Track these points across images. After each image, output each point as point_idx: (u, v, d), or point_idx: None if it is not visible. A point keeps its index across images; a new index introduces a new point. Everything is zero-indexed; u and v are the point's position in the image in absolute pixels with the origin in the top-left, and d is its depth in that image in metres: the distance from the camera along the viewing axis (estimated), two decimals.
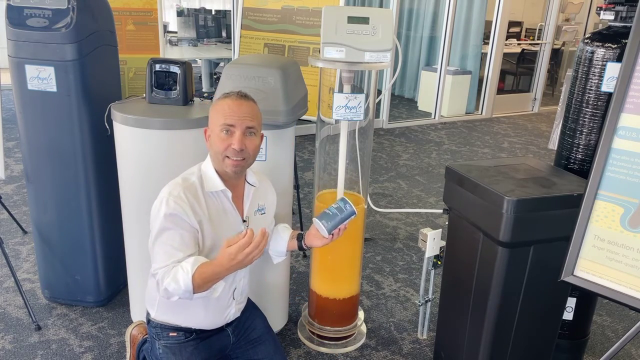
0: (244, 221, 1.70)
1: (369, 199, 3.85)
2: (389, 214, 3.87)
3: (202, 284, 1.47)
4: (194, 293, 1.48)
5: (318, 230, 1.72)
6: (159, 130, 2.02)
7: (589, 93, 2.04)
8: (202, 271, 1.46)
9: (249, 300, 1.92)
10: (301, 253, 3.20)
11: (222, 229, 1.62)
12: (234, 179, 1.65)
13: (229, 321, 1.79)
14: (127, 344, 2.07)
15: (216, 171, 1.62)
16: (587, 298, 2.19)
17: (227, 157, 1.57)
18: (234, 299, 1.75)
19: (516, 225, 1.69)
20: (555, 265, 1.66)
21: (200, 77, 7.63)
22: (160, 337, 1.73)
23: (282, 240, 1.89)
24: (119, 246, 2.43)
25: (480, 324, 1.88)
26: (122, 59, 2.97)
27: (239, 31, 4.03)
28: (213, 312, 1.72)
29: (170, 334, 1.71)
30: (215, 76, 7.35)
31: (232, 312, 1.78)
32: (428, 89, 7.04)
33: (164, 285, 1.48)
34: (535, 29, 8.17)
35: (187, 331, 1.72)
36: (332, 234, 1.72)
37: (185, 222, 1.53)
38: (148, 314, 1.78)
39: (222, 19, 7.61)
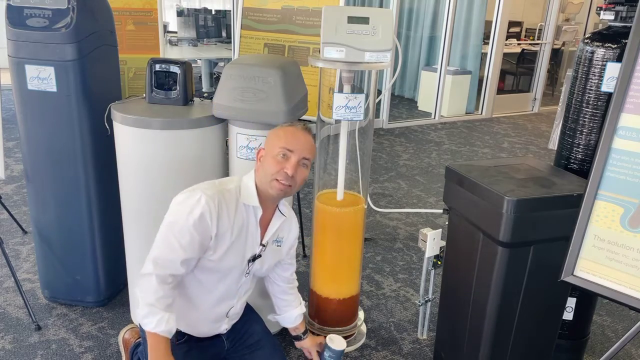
0: (263, 245, 1.71)
1: (369, 199, 3.85)
2: (389, 214, 3.87)
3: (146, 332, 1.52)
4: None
5: None
6: (159, 130, 2.02)
7: (589, 93, 2.04)
8: (151, 336, 1.49)
9: (247, 304, 1.92)
10: (301, 253, 3.20)
11: (240, 243, 1.63)
12: (270, 201, 1.66)
13: (218, 333, 1.79)
14: (121, 348, 2.07)
15: (257, 187, 1.63)
16: (587, 298, 2.19)
17: (277, 179, 1.58)
18: (227, 317, 1.76)
19: (516, 225, 1.69)
20: (555, 265, 1.66)
21: (200, 77, 7.63)
22: None
23: (289, 321, 1.99)
24: (119, 246, 2.43)
25: (480, 324, 1.88)
26: (122, 59, 2.96)
27: (239, 31, 4.03)
28: (203, 322, 1.72)
29: None
30: (215, 76, 7.35)
31: (223, 327, 1.78)
32: (428, 89, 7.04)
33: (144, 299, 1.50)
34: (535, 29, 8.17)
35: (180, 333, 1.70)
36: None
37: (206, 224, 1.52)
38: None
39: (222, 19, 7.61)
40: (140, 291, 1.53)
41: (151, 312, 1.49)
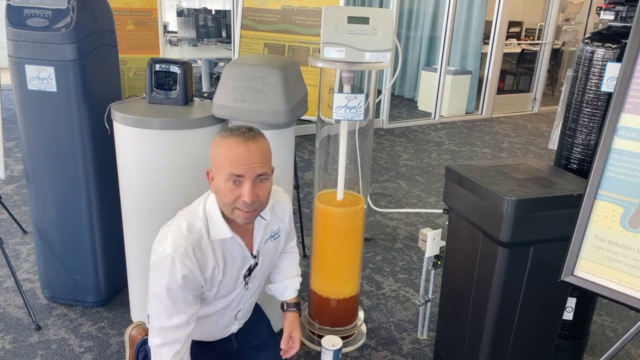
0: (254, 257, 1.59)
1: (369, 199, 3.85)
2: (389, 214, 3.86)
3: None
4: None
5: None
6: (159, 130, 2.02)
7: (589, 93, 2.04)
8: None
9: (256, 304, 1.86)
10: (301, 253, 3.20)
11: (232, 269, 1.54)
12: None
13: (229, 334, 1.75)
14: (127, 344, 2.06)
15: (223, 216, 1.46)
16: (587, 298, 2.19)
17: (237, 208, 1.40)
18: (236, 319, 1.71)
19: (516, 225, 1.69)
20: (555, 265, 1.66)
21: (200, 77, 7.63)
22: None
23: (279, 293, 1.84)
24: (119, 246, 2.43)
25: (481, 324, 1.88)
26: (122, 59, 2.97)
27: (239, 31, 4.03)
28: (214, 331, 1.68)
29: None
30: (215, 76, 7.35)
31: (234, 328, 1.73)
32: (428, 89, 7.04)
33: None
34: (535, 29, 8.17)
35: None
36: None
37: (191, 282, 1.42)
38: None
39: (222, 19, 7.60)
40: (150, 346, 1.49)
41: None
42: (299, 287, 1.87)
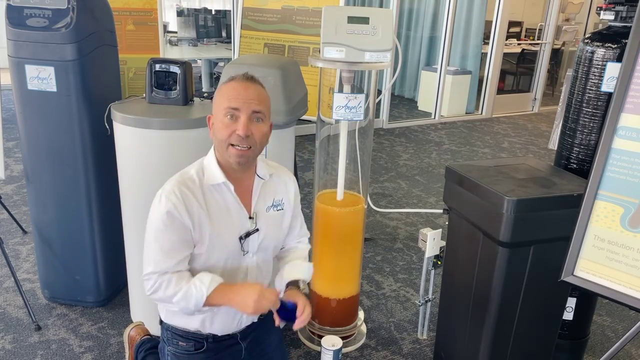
0: (251, 218, 1.56)
1: (369, 199, 3.85)
2: (389, 214, 3.86)
3: (207, 307, 1.45)
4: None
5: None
6: (159, 130, 2.02)
7: (589, 93, 2.04)
8: (214, 296, 1.42)
9: (270, 313, 1.74)
10: None
11: (224, 226, 1.51)
12: (240, 172, 1.52)
13: (242, 328, 1.67)
14: (126, 345, 2.06)
15: (219, 163, 1.50)
16: (587, 298, 2.19)
17: (232, 145, 1.43)
18: None
19: (516, 225, 1.69)
20: (555, 265, 1.66)
21: (200, 77, 7.63)
22: (169, 343, 1.63)
23: (278, 278, 1.68)
24: (119, 246, 2.43)
25: (480, 324, 1.88)
26: (122, 59, 2.96)
27: (239, 31, 4.03)
28: (224, 314, 1.60)
29: (180, 343, 1.61)
30: (215, 76, 7.35)
31: (245, 316, 1.64)
32: (428, 89, 7.04)
33: (172, 299, 1.43)
34: (535, 29, 8.17)
35: (198, 341, 1.61)
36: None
37: (177, 220, 1.43)
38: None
39: (222, 19, 7.61)
40: (160, 304, 1.48)
41: (185, 295, 1.42)
42: (304, 279, 1.69)
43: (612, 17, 2.02)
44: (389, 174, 4.74)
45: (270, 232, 1.61)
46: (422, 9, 7.76)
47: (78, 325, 2.43)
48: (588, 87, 2.04)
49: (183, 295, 1.42)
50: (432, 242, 2.27)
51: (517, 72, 8.09)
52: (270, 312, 1.65)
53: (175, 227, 1.44)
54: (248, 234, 1.55)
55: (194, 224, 1.46)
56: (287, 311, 1.52)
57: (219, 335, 1.63)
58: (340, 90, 2.11)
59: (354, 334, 2.44)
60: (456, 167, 1.96)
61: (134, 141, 2.07)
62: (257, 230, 1.57)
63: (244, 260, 1.58)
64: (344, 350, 2.35)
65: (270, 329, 1.76)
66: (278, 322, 1.52)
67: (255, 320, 1.68)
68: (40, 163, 2.34)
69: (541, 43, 7.61)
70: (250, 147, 1.45)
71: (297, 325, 1.50)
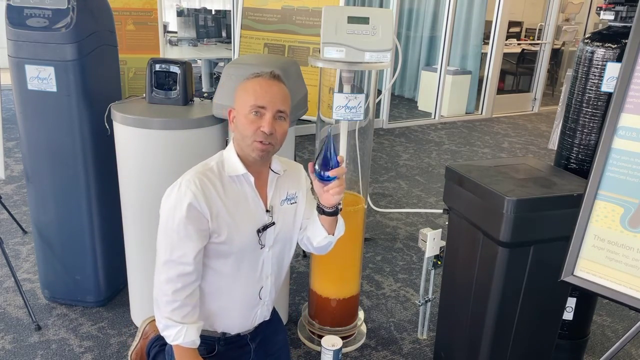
0: (268, 211, 1.59)
1: (369, 199, 3.85)
2: (389, 214, 3.87)
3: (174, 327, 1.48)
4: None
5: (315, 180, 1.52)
6: (159, 130, 2.02)
7: (589, 93, 2.04)
8: (178, 351, 1.48)
9: (276, 312, 1.80)
10: (301, 253, 3.20)
11: (243, 217, 1.53)
12: (258, 165, 1.55)
13: (257, 324, 1.68)
14: (138, 334, 2.00)
15: (239, 156, 1.53)
16: (587, 298, 2.19)
17: (256, 141, 1.47)
18: (260, 298, 1.64)
19: (516, 225, 1.69)
20: (555, 265, 1.66)
21: (200, 77, 7.63)
22: None
23: (318, 228, 1.64)
24: (119, 246, 2.43)
25: (481, 324, 1.88)
26: (122, 59, 2.96)
27: (239, 31, 4.03)
28: (240, 311, 1.62)
29: None
30: (215, 76, 7.35)
31: (259, 312, 1.66)
32: (428, 89, 7.04)
33: (172, 305, 1.46)
34: (535, 29, 8.18)
35: (208, 343, 1.60)
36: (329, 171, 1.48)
37: (195, 209, 1.45)
38: None
39: (222, 19, 7.60)
40: (156, 305, 1.48)
41: (167, 325, 1.46)
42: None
43: (612, 17, 2.03)
44: (389, 174, 4.74)
45: (284, 226, 1.64)
46: (422, 9, 7.76)
47: (78, 325, 2.43)
48: (588, 87, 2.04)
49: (164, 324, 1.47)
50: (432, 242, 2.27)
51: (517, 72, 8.09)
52: (277, 316, 1.74)
53: (194, 218, 1.45)
54: (265, 227, 1.58)
55: (212, 214, 1.47)
56: (328, 163, 1.47)
57: (231, 334, 1.64)
58: (340, 90, 2.11)
59: (354, 334, 2.44)
60: (456, 167, 1.96)
61: (134, 141, 2.07)
62: (274, 223, 1.60)
63: (260, 254, 1.60)
64: (344, 350, 2.35)
65: (277, 329, 1.78)
66: (312, 169, 1.51)
67: (268, 316, 1.72)
68: (40, 163, 2.34)
69: (541, 43, 7.61)
70: (271, 144, 1.50)
71: (335, 172, 1.48)
